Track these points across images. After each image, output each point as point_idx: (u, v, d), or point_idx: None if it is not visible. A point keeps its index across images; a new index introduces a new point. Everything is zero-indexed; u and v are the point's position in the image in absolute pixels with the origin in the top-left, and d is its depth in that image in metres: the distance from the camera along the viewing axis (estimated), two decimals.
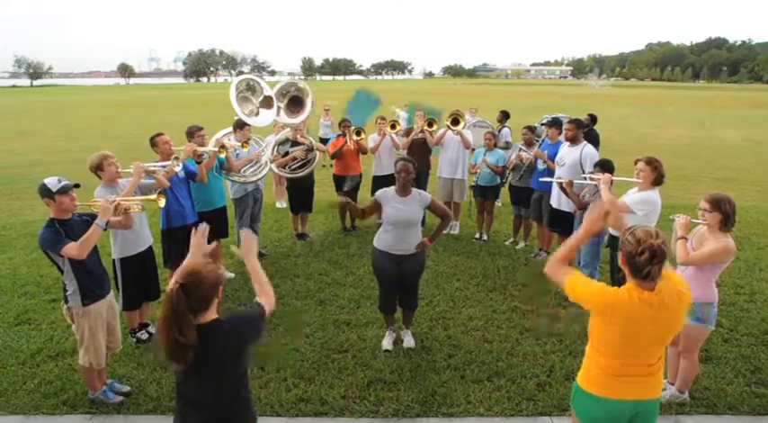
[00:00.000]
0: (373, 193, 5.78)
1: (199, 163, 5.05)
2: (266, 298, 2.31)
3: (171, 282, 2.06)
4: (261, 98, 6.09)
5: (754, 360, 4.09)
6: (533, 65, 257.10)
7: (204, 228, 2.46)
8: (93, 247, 3.27)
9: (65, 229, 3.22)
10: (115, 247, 4.15)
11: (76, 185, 3.30)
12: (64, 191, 3.20)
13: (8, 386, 3.75)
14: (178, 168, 4.58)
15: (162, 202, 4.00)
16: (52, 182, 3.21)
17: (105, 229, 3.32)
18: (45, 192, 3.20)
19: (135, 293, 4.28)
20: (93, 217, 3.31)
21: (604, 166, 4.69)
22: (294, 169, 6.61)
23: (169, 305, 1.97)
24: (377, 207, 4.06)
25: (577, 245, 2.50)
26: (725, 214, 3.23)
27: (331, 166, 8.45)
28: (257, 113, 6.04)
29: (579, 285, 2.33)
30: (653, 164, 4.13)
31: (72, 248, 3.14)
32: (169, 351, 1.99)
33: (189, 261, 2.19)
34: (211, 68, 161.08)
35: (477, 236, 7.14)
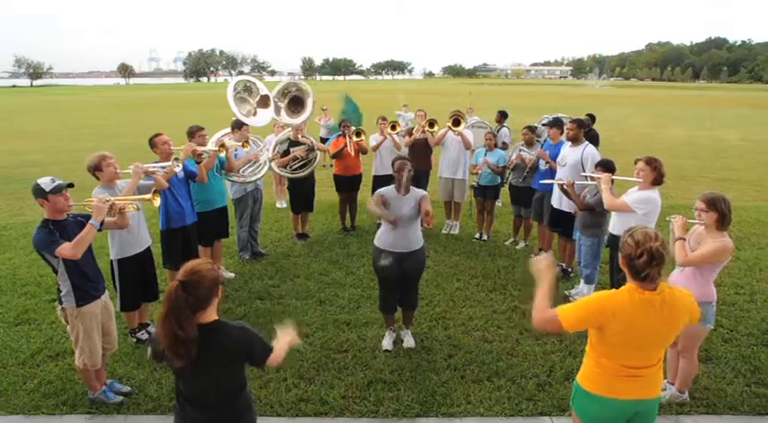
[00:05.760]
0: (374, 192, 5.78)
1: (198, 163, 5.05)
2: (277, 353, 2.24)
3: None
4: (257, 98, 6.10)
5: (754, 360, 4.10)
6: (533, 65, 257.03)
7: None
8: (87, 248, 3.23)
9: (59, 229, 3.18)
10: (113, 248, 4.13)
11: (70, 185, 3.25)
12: (57, 190, 3.17)
13: (8, 386, 3.76)
14: (178, 169, 4.57)
15: (157, 202, 3.94)
16: (45, 182, 3.17)
17: (100, 230, 3.29)
18: (38, 192, 3.17)
19: (133, 294, 4.26)
20: (88, 218, 3.27)
21: (606, 165, 4.70)
22: (295, 169, 6.62)
23: (168, 302, 1.98)
24: (383, 201, 4.00)
25: (545, 297, 2.31)
26: (721, 213, 3.24)
27: (331, 166, 8.45)
28: (255, 113, 6.06)
29: (572, 308, 2.25)
30: (653, 164, 4.15)
31: (66, 249, 3.10)
32: (169, 347, 1.99)
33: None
34: (211, 68, 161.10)
35: (477, 236, 7.15)
